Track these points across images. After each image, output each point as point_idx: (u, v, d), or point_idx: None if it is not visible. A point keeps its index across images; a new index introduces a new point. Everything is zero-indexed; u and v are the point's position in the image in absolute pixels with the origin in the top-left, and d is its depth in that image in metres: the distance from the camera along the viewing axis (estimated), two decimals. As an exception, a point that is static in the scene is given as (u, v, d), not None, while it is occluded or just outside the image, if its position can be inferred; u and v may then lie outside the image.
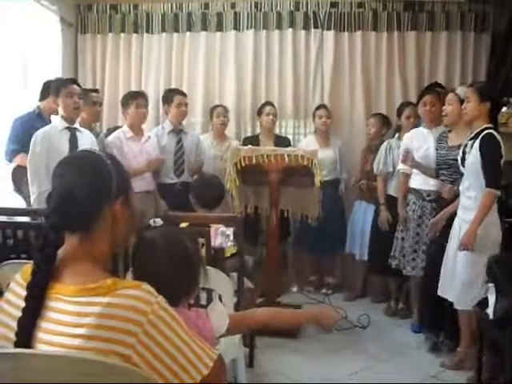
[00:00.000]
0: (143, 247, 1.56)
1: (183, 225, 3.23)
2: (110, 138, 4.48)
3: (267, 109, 5.16)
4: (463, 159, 3.49)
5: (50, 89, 4.10)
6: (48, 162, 3.68)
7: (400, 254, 4.29)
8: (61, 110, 3.88)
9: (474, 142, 3.40)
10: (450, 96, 3.87)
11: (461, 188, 3.53)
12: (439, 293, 3.60)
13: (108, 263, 1.37)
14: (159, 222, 1.54)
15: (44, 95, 4.24)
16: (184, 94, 4.89)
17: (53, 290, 1.25)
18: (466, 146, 3.49)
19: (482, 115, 3.41)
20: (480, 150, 3.33)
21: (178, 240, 1.60)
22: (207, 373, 1.26)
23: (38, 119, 4.16)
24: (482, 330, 3.21)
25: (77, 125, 3.96)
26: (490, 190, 3.30)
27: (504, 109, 4.65)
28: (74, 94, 3.86)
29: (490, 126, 3.40)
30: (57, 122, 3.95)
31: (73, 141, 3.84)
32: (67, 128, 3.86)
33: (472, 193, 3.42)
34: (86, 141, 3.90)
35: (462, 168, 3.52)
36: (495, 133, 3.37)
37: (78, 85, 4.04)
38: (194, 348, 1.27)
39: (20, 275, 1.33)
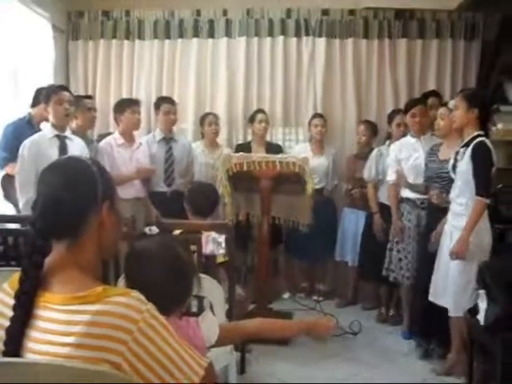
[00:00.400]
0: (137, 255, 1.55)
1: (176, 232, 3.23)
2: (101, 143, 4.47)
3: (259, 116, 5.17)
4: (454, 166, 3.51)
5: (42, 96, 4.09)
6: (37, 170, 3.62)
7: (396, 266, 4.26)
8: (51, 118, 3.82)
9: (465, 149, 3.41)
10: (442, 110, 3.89)
11: (451, 195, 3.54)
12: (431, 298, 3.61)
13: (98, 271, 1.36)
14: (155, 229, 1.53)
15: (35, 102, 4.21)
16: (172, 103, 4.90)
17: (41, 298, 1.23)
18: (457, 153, 3.50)
19: (471, 122, 3.43)
20: (471, 159, 3.34)
21: (174, 249, 1.59)
22: (198, 381, 1.25)
23: (28, 126, 4.13)
24: (473, 336, 3.22)
25: (67, 132, 3.91)
26: (480, 199, 3.31)
27: (499, 125, 4.67)
28: (64, 101, 3.79)
29: (481, 133, 3.41)
30: (46, 129, 3.89)
31: (62, 149, 3.77)
32: (57, 136, 3.80)
33: (463, 199, 3.43)
34: (76, 149, 3.83)
35: (452, 175, 3.54)
36: (487, 140, 3.38)
37: (69, 91, 3.99)
38: (184, 356, 1.26)
39: (7, 284, 1.32)
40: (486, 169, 3.35)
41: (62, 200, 1.28)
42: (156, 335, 1.21)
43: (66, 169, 1.35)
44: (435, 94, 4.86)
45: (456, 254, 3.35)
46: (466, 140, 3.45)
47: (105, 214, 1.34)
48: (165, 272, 1.50)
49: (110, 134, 4.81)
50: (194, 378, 1.25)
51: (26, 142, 3.72)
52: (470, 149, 3.37)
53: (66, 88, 4.09)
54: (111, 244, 1.40)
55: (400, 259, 4.24)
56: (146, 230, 1.51)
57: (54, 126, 3.82)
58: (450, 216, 3.55)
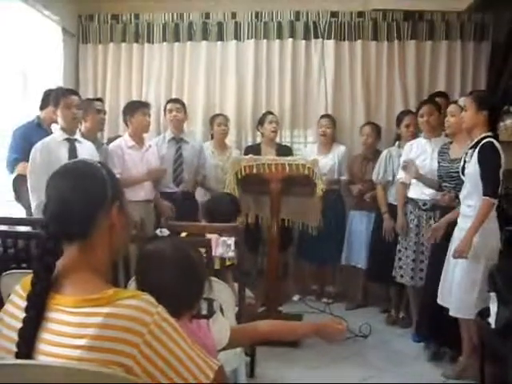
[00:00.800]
0: (149, 257, 1.54)
1: (183, 234, 3.23)
2: (111, 146, 4.50)
3: (270, 117, 5.17)
4: (463, 168, 3.50)
5: (50, 98, 4.11)
6: (48, 172, 3.63)
7: (403, 267, 4.28)
8: (60, 121, 3.85)
9: (473, 151, 3.40)
10: (452, 107, 3.87)
11: (461, 196, 3.53)
12: (439, 301, 3.60)
13: (108, 273, 1.36)
14: (166, 231, 1.52)
15: (44, 104, 4.23)
16: (176, 101, 4.94)
17: (53, 300, 1.24)
18: (466, 154, 3.49)
19: (481, 124, 3.41)
20: (478, 159, 3.32)
21: (186, 252, 1.58)
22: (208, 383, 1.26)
23: (37, 129, 4.15)
24: (484, 339, 3.20)
25: (77, 135, 3.94)
26: (487, 199, 3.28)
27: (508, 121, 4.62)
28: (73, 106, 3.80)
29: (489, 134, 3.39)
30: (56, 133, 3.92)
31: (72, 152, 3.80)
32: (66, 139, 3.82)
33: (471, 201, 3.41)
34: (86, 152, 3.85)
35: (462, 176, 3.53)
36: (495, 141, 3.36)
37: (78, 95, 4.00)
38: (195, 359, 1.26)
39: (20, 286, 1.33)
40: (493, 169, 3.32)
41: (72, 202, 1.29)
42: (167, 338, 1.22)
43: (76, 172, 1.37)
44: (442, 94, 4.84)
45: (458, 253, 3.35)
46: (474, 141, 3.44)
47: (114, 215, 1.35)
48: (176, 275, 1.49)
49: (119, 137, 4.82)
50: (204, 381, 1.26)
51: (38, 145, 3.73)
52: (477, 149, 3.36)
53: (75, 92, 4.10)
54: (121, 245, 1.41)
55: (406, 260, 4.24)
56: (158, 232, 1.50)
57: (63, 129, 3.85)
58: (459, 218, 3.53)
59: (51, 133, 4.10)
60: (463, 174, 3.50)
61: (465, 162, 3.49)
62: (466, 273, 3.38)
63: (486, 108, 3.39)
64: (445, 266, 3.59)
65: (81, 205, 1.30)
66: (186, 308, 1.58)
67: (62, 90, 4.05)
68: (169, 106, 4.91)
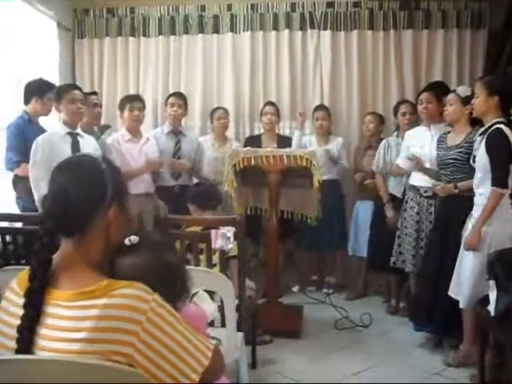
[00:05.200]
0: (123, 272, 1.40)
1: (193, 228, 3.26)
2: (109, 140, 4.51)
3: (266, 109, 5.19)
4: (474, 156, 3.42)
5: (33, 91, 4.10)
6: (49, 167, 3.62)
7: (402, 255, 4.28)
8: (63, 116, 3.87)
9: (483, 137, 3.31)
10: (451, 96, 3.82)
11: (473, 185, 3.45)
12: (450, 293, 3.53)
13: (104, 267, 1.36)
14: (135, 239, 1.46)
15: (28, 98, 4.18)
16: (178, 96, 4.93)
17: (50, 295, 1.25)
18: (475, 142, 3.44)
19: (492, 109, 3.33)
20: (486, 148, 3.25)
21: (160, 260, 1.49)
22: (207, 363, 1.29)
23: (29, 124, 4.11)
24: (484, 327, 3.20)
25: (78, 130, 3.95)
26: (495, 189, 3.23)
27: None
28: (77, 100, 3.83)
29: (501, 120, 3.30)
30: (58, 127, 3.92)
31: (75, 146, 3.81)
32: (69, 133, 3.83)
33: (482, 189, 3.34)
34: (88, 146, 3.87)
35: (473, 164, 3.45)
36: (505, 128, 3.25)
37: (80, 90, 4.01)
38: (193, 341, 1.29)
39: (16, 282, 1.33)
40: (502, 158, 3.23)
41: (70, 196, 1.29)
42: (165, 323, 1.24)
43: (78, 166, 1.38)
44: (440, 84, 4.82)
45: (468, 246, 3.32)
46: (484, 127, 3.35)
47: (112, 214, 1.35)
48: (154, 284, 1.34)
49: (107, 126, 4.96)
50: (204, 361, 1.28)
51: (39, 139, 3.74)
52: (485, 137, 3.28)
53: (76, 86, 4.11)
54: (117, 243, 1.41)
55: (406, 247, 4.24)
56: (126, 241, 1.44)
57: (65, 123, 3.86)
58: (474, 208, 3.46)
59: (42, 127, 4.13)
60: (474, 161, 3.42)
61: (474, 150, 3.43)
62: (475, 264, 3.32)
63: (496, 93, 3.30)
64: (458, 258, 3.51)
65: (78, 200, 1.30)
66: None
67: (65, 85, 4.09)
68: (171, 100, 4.89)
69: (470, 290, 3.38)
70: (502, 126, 3.26)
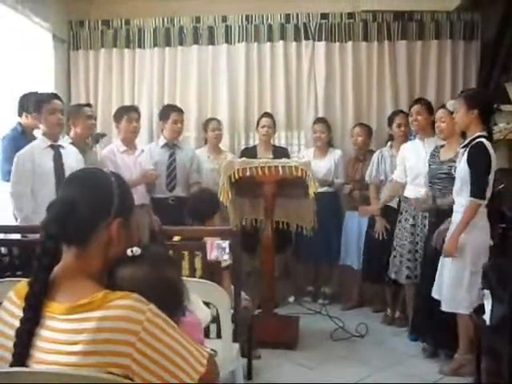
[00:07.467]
0: (122, 283, 1.40)
1: (176, 238, 3.24)
2: (104, 151, 4.52)
3: (262, 121, 5.20)
4: (455, 167, 3.55)
5: (25, 106, 4.08)
6: (33, 182, 3.58)
7: (397, 266, 4.29)
8: (43, 127, 3.77)
9: (465, 150, 3.43)
10: (441, 113, 3.89)
11: (453, 192, 3.56)
12: (433, 294, 3.63)
13: (103, 279, 1.36)
14: (137, 251, 1.46)
15: (21, 111, 4.17)
16: (181, 111, 4.94)
17: (47, 308, 1.26)
18: (459, 152, 3.53)
19: (473, 123, 3.44)
20: (467, 160, 3.36)
21: (160, 274, 1.48)
22: (203, 370, 1.30)
23: (23, 136, 4.09)
24: (480, 335, 3.21)
25: (61, 141, 3.87)
26: (473, 200, 3.34)
27: (502, 125, 4.63)
28: (57, 110, 3.73)
29: (482, 134, 3.41)
30: (39, 140, 3.82)
31: (57, 158, 3.73)
32: (50, 146, 3.74)
33: (461, 199, 3.45)
34: (71, 158, 3.80)
35: (454, 173, 3.59)
36: (486, 142, 3.38)
37: (60, 100, 3.91)
38: (189, 348, 1.30)
39: (14, 293, 1.34)
40: (481, 171, 3.35)
41: (75, 205, 1.31)
42: (161, 332, 1.25)
43: (87, 178, 1.41)
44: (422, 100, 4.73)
45: (447, 253, 3.43)
46: (467, 140, 3.45)
47: (114, 229, 1.36)
48: (152, 297, 1.34)
49: (103, 134, 4.93)
50: (199, 368, 1.30)
51: (20, 154, 3.65)
52: (467, 150, 3.39)
53: (57, 96, 3.98)
54: (117, 258, 1.41)
55: (401, 259, 4.25)
56: (128, 252, 1.45)
57: (46, 135, 3.77)
58: (453, 215, 3.56)
59: (36, 138, 4.04)
60: (455, 172, 3.53)
61: (454, 161, 3.53)
62: (454, 268, 3.45)
63: (476, 106, 3.41)
64: (440, 261, 3.61)
65: (82, 210, 1.31)
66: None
67: (44, 95, 3.95)
68: (174, 116, 4.85)
69: (449, 293, 3.48)
70: (483, 139, 3.38)
